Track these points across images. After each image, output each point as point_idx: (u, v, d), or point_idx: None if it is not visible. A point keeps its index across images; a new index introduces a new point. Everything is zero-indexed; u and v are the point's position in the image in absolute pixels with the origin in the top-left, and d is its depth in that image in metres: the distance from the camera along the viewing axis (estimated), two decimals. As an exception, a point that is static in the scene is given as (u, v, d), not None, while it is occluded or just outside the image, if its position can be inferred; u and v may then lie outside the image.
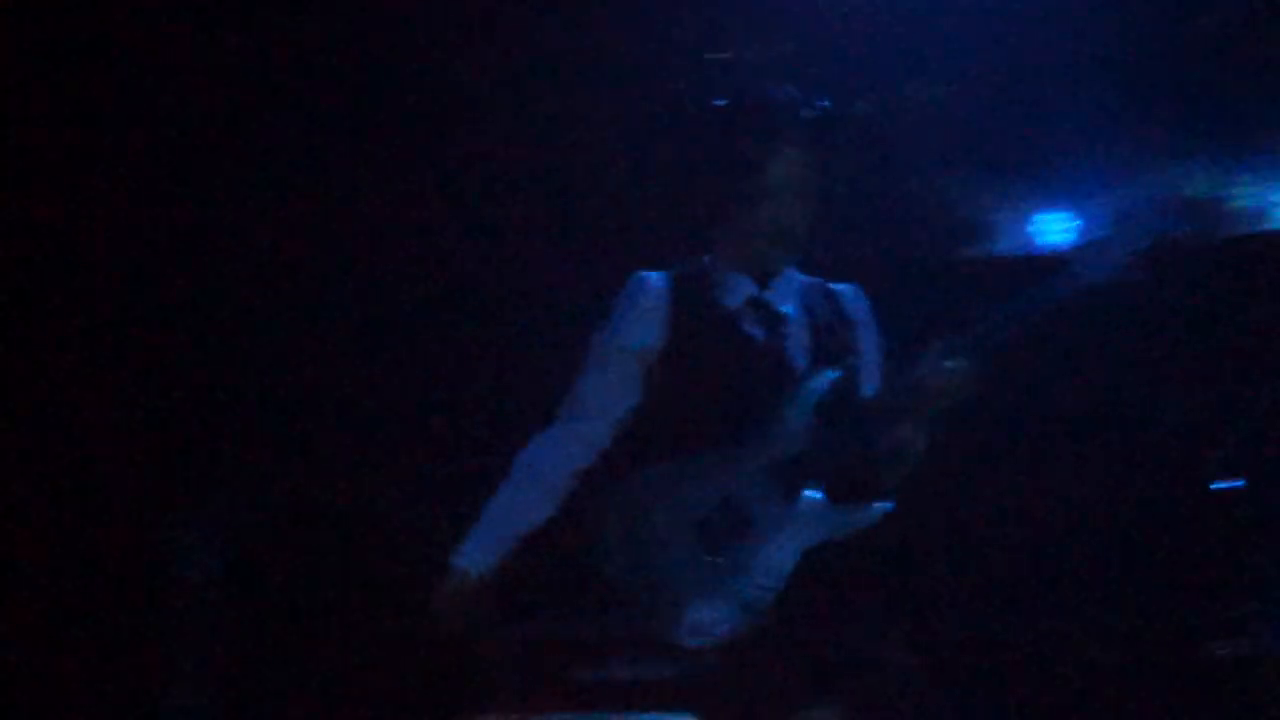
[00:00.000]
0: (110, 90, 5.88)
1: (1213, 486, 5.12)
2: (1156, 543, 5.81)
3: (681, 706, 4.86)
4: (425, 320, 6.20)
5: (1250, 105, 6.24)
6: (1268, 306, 5.27)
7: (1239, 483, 5.26)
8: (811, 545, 3.57)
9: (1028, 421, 5.85)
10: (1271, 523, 5.17)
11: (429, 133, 6.14)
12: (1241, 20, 6.19)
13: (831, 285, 3.87)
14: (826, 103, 3.77)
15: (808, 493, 3.58)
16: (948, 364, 3.53)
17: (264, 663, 5.84)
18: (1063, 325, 5.40)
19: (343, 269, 6.17)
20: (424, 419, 6.13)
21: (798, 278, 3.85)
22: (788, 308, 3.77)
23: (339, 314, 6.18)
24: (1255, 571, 5.12)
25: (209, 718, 5.68)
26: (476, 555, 3.75)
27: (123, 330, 5.96)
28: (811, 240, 3.78)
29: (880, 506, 3.60)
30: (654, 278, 3.80)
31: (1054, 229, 6.60)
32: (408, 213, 6.18)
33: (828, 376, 3.65)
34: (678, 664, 3.66)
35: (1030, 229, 6.54)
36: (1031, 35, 6.10)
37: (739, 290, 3.78)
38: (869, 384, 3.77)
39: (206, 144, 6.00)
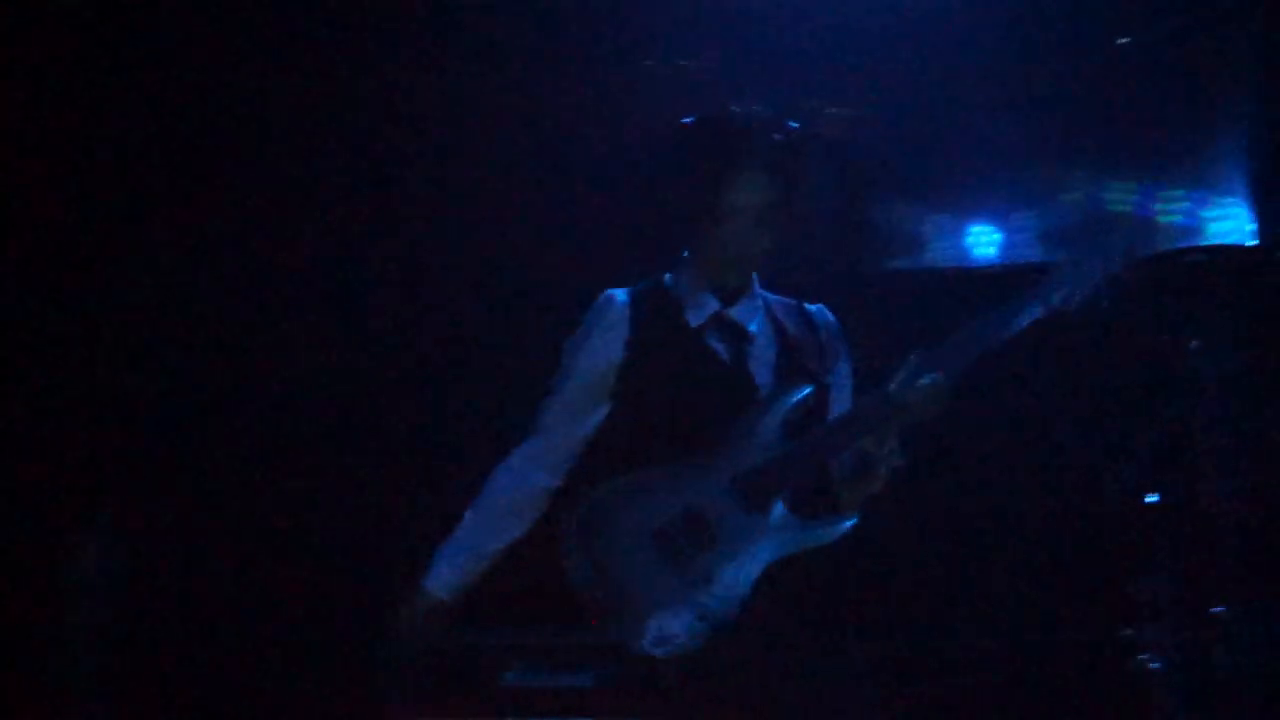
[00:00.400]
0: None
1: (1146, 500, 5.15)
2: (1045, 559, 5.85)
3: (638, 715, 4.83)
4: (383, 333, 6.14)
5: (1179, 121, 6.26)
6: (1200, 322, 5.27)
7: (1154, 498, 5.26)
8: (776, 558, 3.58)
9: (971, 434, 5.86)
10: (1174, 542, 5.18)
11: (391, 150, 6.10)
12: (1167, 37, 6.22)
13: (803, 305, 3.90)
14: (795, 125, 3.78)
15: (774, 507, 3.59)
16: (923, 380, 3.56)
17: (159, 668, 5.75)
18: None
19: (286, 274, 6.09)
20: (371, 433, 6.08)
21: (767, 296, 3.88)
22: (753, 325, 3.79)
23: (268, 318, 6.09)
24: (1154, 590, 5.13)
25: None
26: (445, 577, 3.79)
27: (21, 333, 5.85)
28: (779, 260, 3.80)
29: (845, 522, 3.61)
30: (618, 295, 3.84)
31: (981, 242, 6.60)
32: (369, 224, 6.12)
33: (796, 394, 3.67)
34: (631, 673, 3.65)
35: (962, 242, 6.53)
36: (957, 52, 6.10)
37: (704, 307, 3.79)
38: (839, 404, 3.81)
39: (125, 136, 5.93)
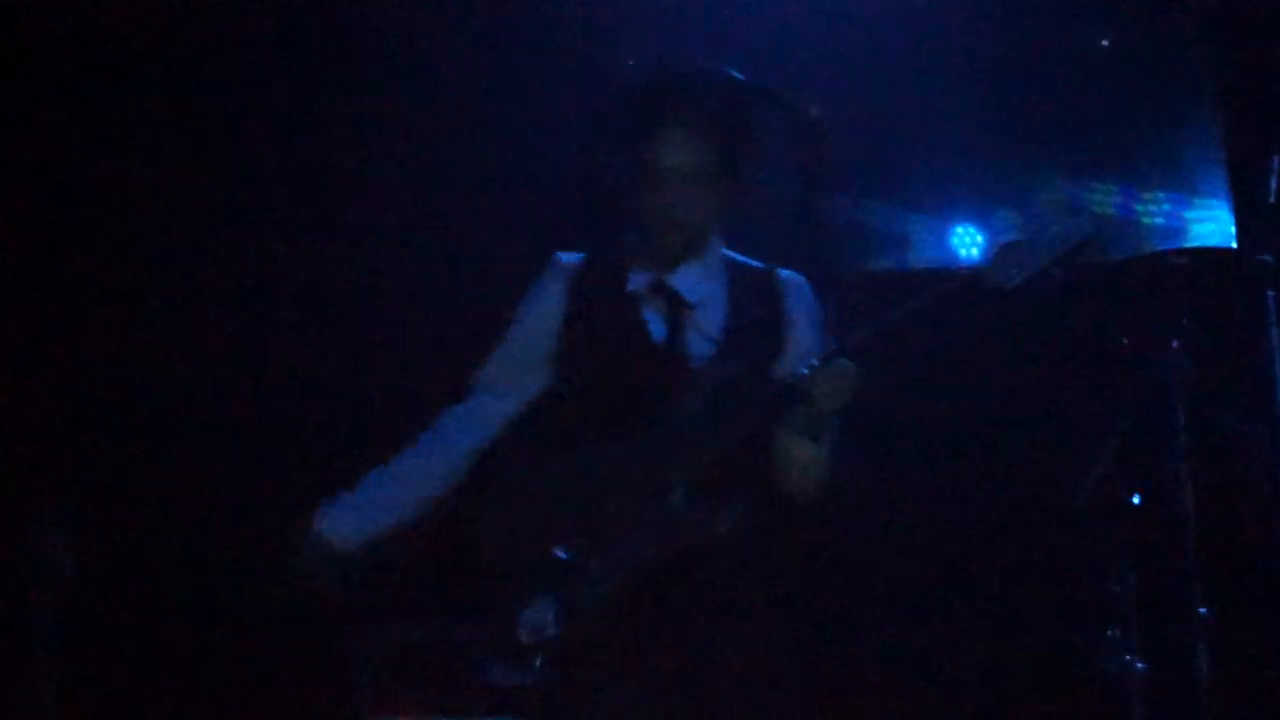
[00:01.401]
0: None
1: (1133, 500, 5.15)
2: (1020, 559, 5.84)
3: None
4: (336, 301, 6.05)
5: (1162, 123, 6.27)
6: (1180, 323, 5.27)
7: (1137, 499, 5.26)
8: (661, 545, 3.40)
9: (908, 428, 5.86)
10: (1133, 547, 5.19)
11: (345, 121, 6.01)
12: (1151, 38, 6.22)
13: (776, 272, 3.66)
14: (739, 77, 3.58)
15: (674, 492, 3.41)
16: (828, 366, 3.35)
17: (124, 666, 5.72)
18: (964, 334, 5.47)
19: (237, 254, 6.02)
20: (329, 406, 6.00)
21: (734, 258, 3.66)
22: (696, 294, 3.57)
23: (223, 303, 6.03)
24: (1116, 592, 5.14)
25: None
26: (341, 524, 3.60)
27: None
28: (748, 222, 3.62)
29: (732, 512, 3.40)
30: (565, 259, 3.66)
31: (963, 243, 6.60)
32: (324, 195, 6.03)
33: (722, 374, 3.47)
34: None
35: (945, 243, 6.53)
36: (940, 52, 6.10)
37: (644, 273, 3.59)
38: None
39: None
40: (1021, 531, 5.82)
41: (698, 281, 3.59)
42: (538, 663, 3.42)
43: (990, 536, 5.84)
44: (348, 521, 3.62)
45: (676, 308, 3.57)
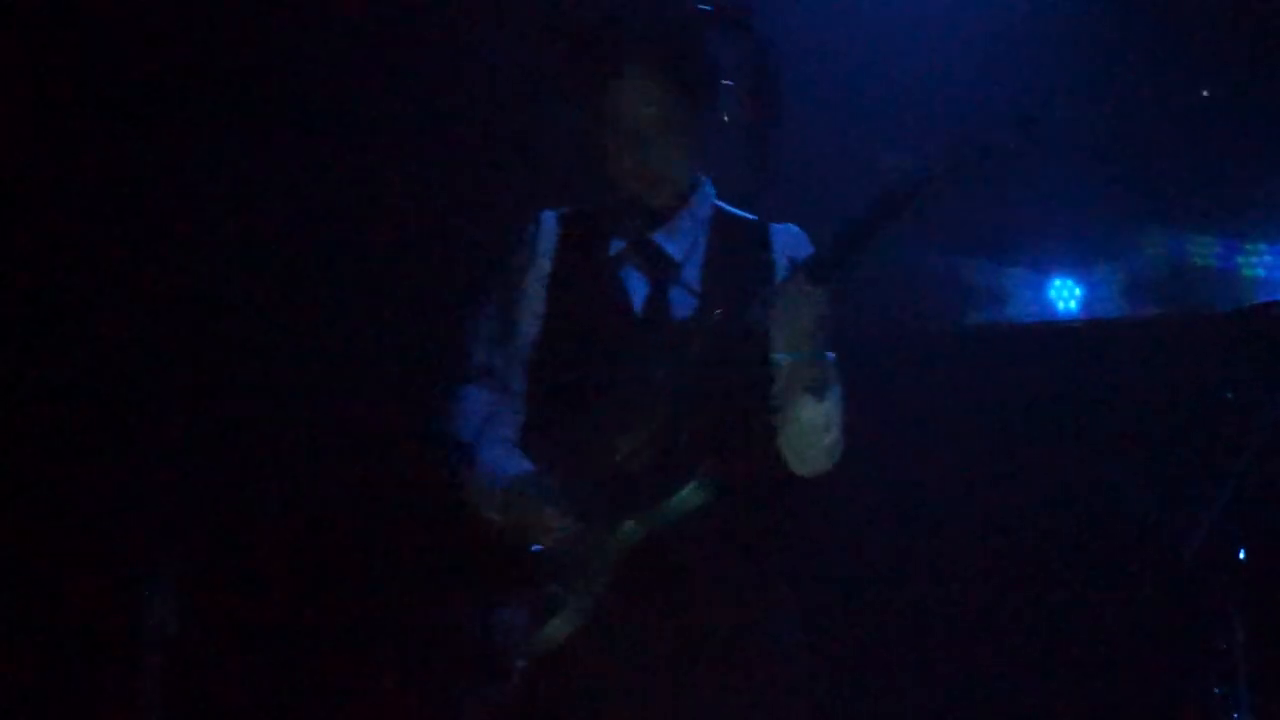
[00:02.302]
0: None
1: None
2: (1127, 613, 5.79)
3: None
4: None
5: (1263, 174, 6.23)
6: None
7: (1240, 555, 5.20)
8: (635, 539, 3.08)
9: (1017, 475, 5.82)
10: (1242, 603, 5.12)
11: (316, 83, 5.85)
12: (1251, 88, 6.19)
13: (768, 224, 3.32)
14: (708, 8, 3.24)
15: (634, 465, 3.09)
16: (804, 287, 3.03)
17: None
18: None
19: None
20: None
21: (720, 212, 3.34)
22: (682, 250, 3.26)
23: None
24: (1223, 649, 5.07)
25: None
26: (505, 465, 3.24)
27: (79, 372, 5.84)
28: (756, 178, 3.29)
29: (703, 487, 3.07)
30: (546, 217, 3.35)
31: (1060, 295, 6.57)
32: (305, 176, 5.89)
33: (690, 328, 3.14)
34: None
35: (1044, 295, 6.51)
36: (1037, 103, 6.07)
37: (625, 232, 3.27)
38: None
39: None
40: (1128, 584, 5.77)
41: (683, 235, 3.28)
42: (519, 664, 3.11)
43: (1097, 588, 5.80)
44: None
45: (662, 268, 3.25)
